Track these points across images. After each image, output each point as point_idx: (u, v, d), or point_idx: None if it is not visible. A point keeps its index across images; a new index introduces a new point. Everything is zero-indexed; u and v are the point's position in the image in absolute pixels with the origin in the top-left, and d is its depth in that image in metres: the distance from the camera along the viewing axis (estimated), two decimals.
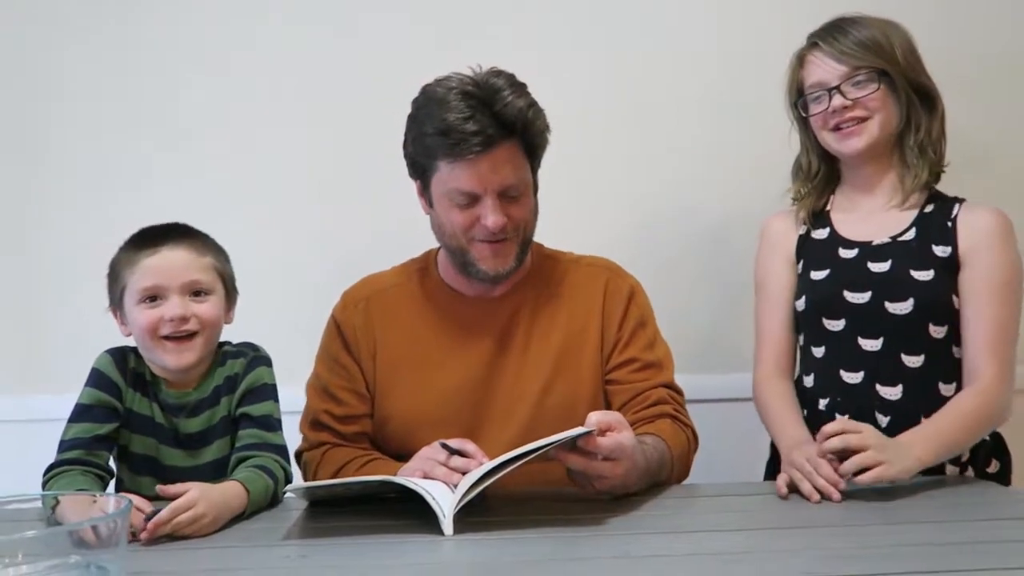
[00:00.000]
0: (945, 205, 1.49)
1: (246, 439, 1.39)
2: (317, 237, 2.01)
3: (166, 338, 1.36)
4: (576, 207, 1.98)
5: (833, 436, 1.28)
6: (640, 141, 2.03)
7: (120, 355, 1.42)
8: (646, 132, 2.03)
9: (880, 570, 0.94)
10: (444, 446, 1.28)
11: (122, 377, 1.40)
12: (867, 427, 1.31)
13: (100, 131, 2.04)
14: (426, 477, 1.24)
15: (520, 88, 1.38)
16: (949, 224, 1.46)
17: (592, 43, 2.03)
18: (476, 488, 1.16)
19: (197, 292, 1.38)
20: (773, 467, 1.59)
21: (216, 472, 1.38)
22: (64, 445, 1.36)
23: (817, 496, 1.26)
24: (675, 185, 2.04)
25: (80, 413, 1.38)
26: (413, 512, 1.19)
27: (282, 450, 1.41)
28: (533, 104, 1.38)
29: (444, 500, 1.16)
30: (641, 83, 2.03)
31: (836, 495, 1.25)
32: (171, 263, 1.37)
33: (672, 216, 2.04)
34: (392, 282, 1.54)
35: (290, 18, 2.02)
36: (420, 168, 1.42)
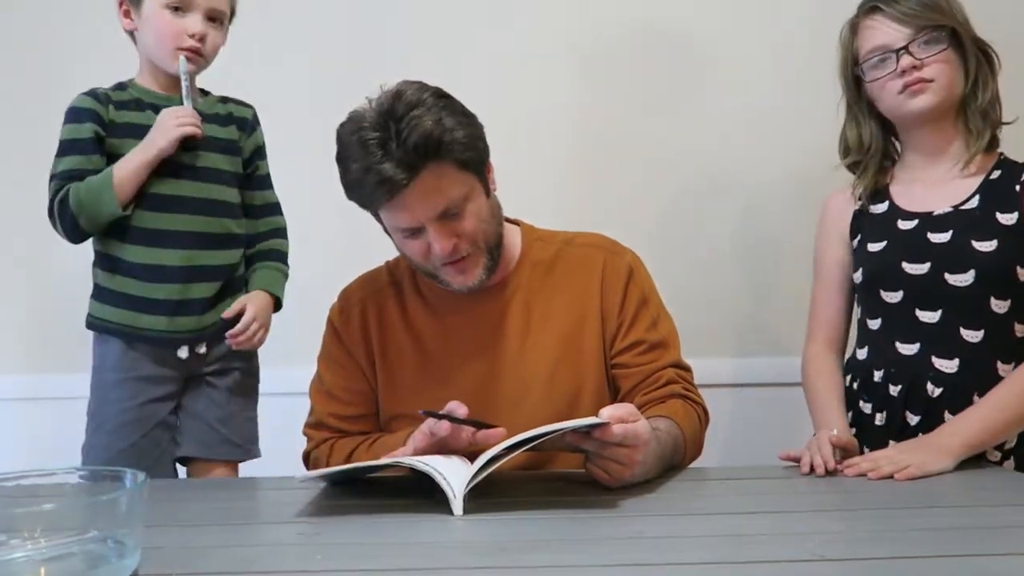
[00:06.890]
0: (1013, 170, 1.47)
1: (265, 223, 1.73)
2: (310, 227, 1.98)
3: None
4: (611, 189, 2.00)
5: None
6: (675, 119, 2.03)
7: (94, 92, 1.58)
8: (682, 110, 2.03)
9: (891, 554, 0.94)
10: (429, 413, 1.24)
11: (101, 104, 1.57)
12: (880, 454, 1.32)
13: None
14: (446, 452, 1.25)
15: (423, 104, 1.28)
16: (1017, 188, 1.43)
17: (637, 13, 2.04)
18: (487, 469, 1.16)
19: None
20: None
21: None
22: (61, 175, 1.56)
23: (807, 469, 1.32)
24: (714, 165, 2.03)
25: (67, 149, 1.56)
26: (425, 491, 1.19)
27: (277, 207, 1.76)
28: (442, 117, 1.28)
29: (455, 480, 1.16)
30: (681, 55, 2.04)
31: (820, 471, 1.30)
32: None
33: (711, 198, 2.04)
34: (387, 280, 1.53)
35: None
36: (366, 208, 1.39)
